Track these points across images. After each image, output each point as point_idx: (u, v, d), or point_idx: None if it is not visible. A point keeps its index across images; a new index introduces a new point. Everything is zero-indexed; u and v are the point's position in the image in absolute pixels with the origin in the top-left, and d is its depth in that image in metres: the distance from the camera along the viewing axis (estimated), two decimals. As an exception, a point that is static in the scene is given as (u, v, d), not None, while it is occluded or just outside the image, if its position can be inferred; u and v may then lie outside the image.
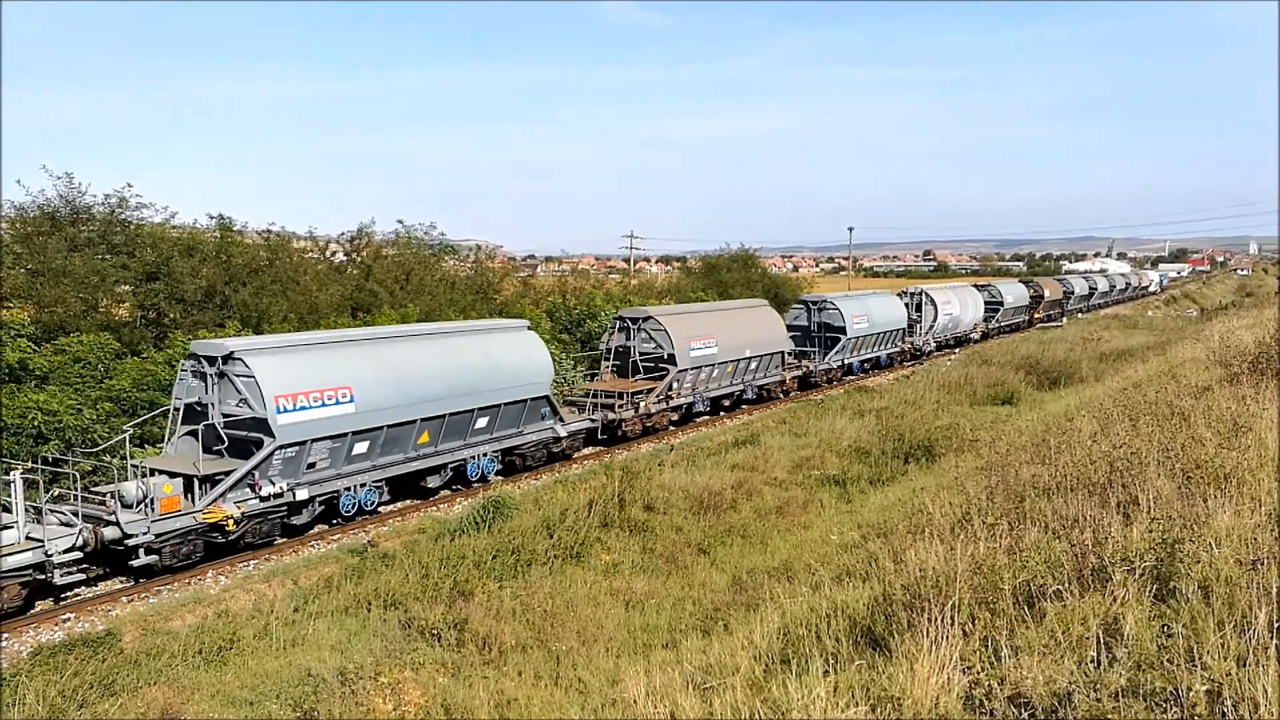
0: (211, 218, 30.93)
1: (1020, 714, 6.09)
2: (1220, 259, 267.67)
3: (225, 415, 17.24)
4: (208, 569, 16.63)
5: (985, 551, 8.69)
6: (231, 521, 16.56)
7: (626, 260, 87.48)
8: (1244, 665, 5.72)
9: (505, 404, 21.94)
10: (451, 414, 20.49)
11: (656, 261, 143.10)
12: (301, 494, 17.85)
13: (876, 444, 24.04)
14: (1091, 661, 6.36)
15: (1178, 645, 6.21)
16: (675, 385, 28.57)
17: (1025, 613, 7.43)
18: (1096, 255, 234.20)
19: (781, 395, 35.08)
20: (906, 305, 46.30)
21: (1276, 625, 6.19)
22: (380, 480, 19.43)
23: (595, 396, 26.58)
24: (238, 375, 17.15)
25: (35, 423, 18.39)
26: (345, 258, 37.49)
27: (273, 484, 17.31)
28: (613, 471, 19.30)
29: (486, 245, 50.98)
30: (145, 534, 15.43)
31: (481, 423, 21.54)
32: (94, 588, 15.79)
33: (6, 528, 14.47)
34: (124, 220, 27.76)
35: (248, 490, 17.04)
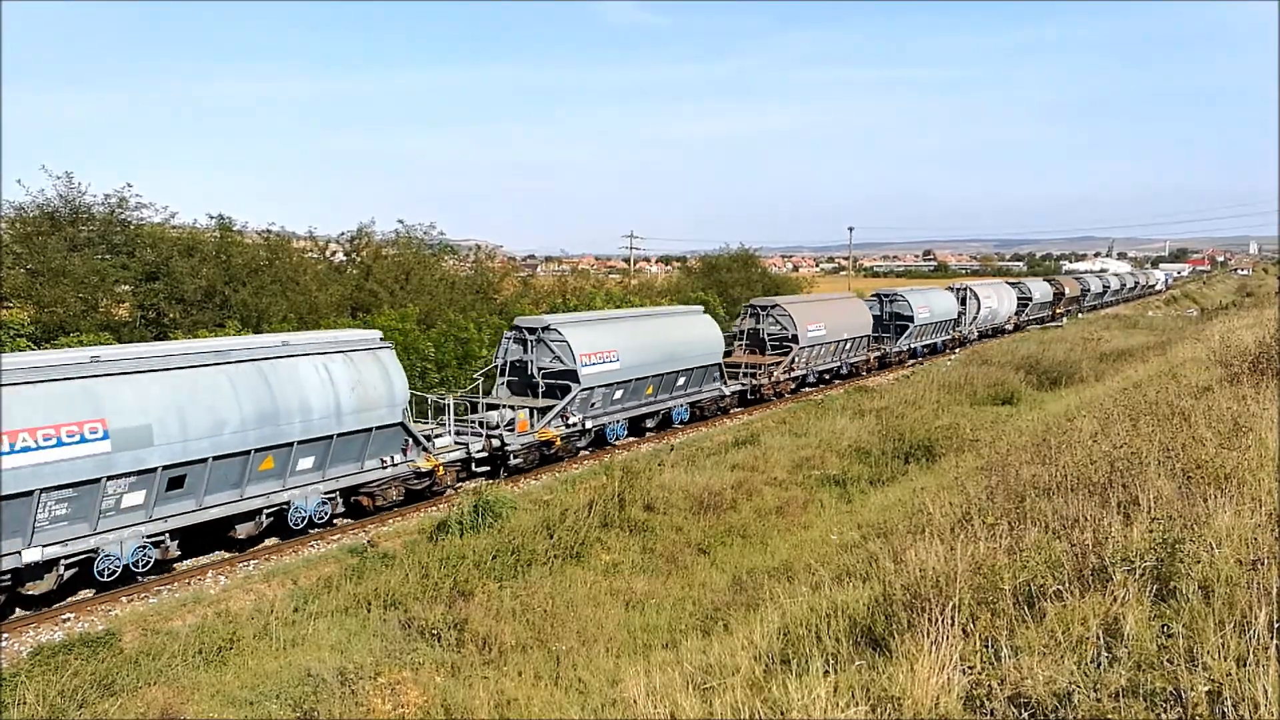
0: (211, 218, 30.89)
1: (1020, 714, 6.09)
2: (1220, 259, 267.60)
3: (541, 368, 24.98)
4: (208, 569, 16.65)
5: (985, 551, 8.69)
6: (558, 439, 23.98)
7: (626, 260, 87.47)
8: (1244, 665, 5.72)
9: (695, 368, 29.34)
10: (666, 373, 28.00)
11: (656, 261, 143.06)
12: (588, 424, 25.24)
13: (876, 444, 24.04)
14: (1092, 661, 6.35)
15: (1178, 645, 6.21)
16: (796, 360, 35.50)
17: (1025, 613, 7.43)
18: (1096, 255, 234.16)
19: (865, 372, 41.07)
20: (955, 298, 51.70)
21: (1276, 625, 6.19)
22: (625, 419, 26.99)
23: (739, 368, 33.24)
24: (553, 340, 24.86)
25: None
26: (345, 258, 37.43)
27: (573, 416, 24.58)
28: (613, 471, 19.31)
29: (486, 245, 50.92)
30: (514, 445, 22.86)
31: (680, 381, 28.96)
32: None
33: (441, 435, 21.69)
34: (124, 220, 27.71)
35: (559, 420, 24.19)
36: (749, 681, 7.79)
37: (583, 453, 25.67)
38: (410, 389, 20.56)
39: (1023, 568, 8.00)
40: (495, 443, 22.50)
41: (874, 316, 43.17)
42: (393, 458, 19.75)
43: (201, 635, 12.93)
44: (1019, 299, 63.43)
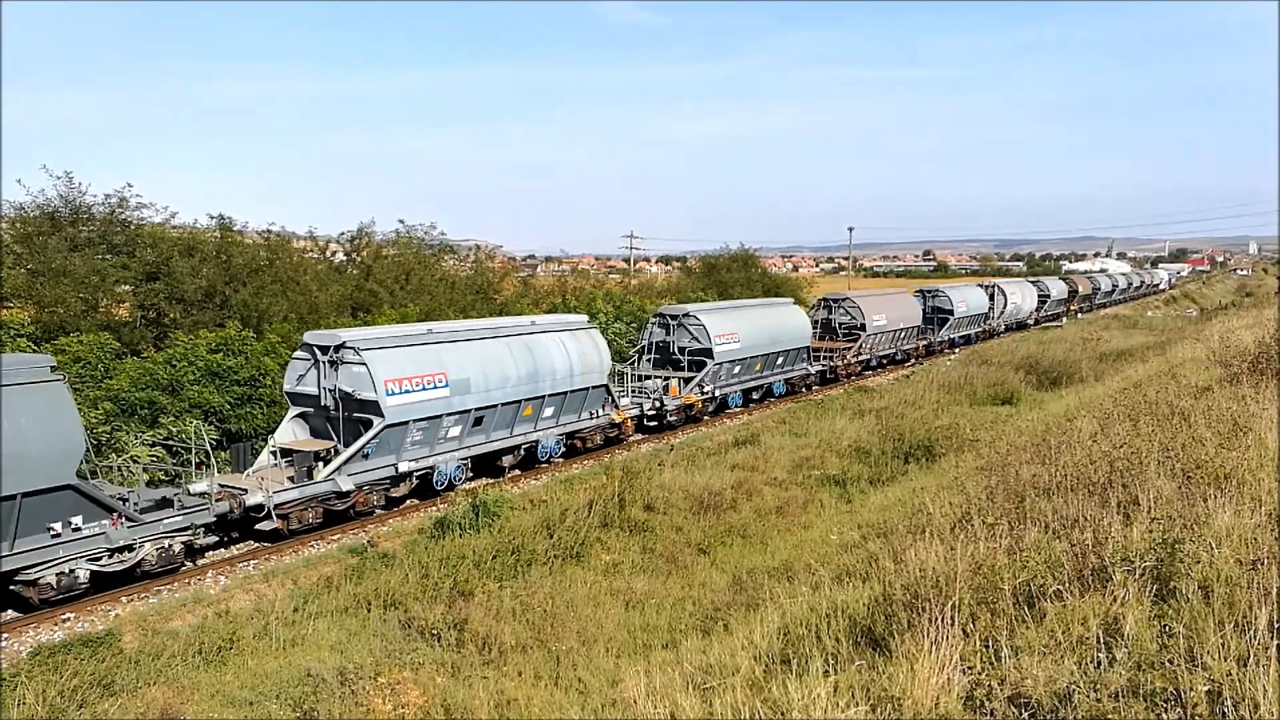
0: (211, 218, 30.88)
1: (1020, 714, 6.09)
2: (1220, 259, 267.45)
3: (681, 347, 30.70)
4: (207, 570, 16.64)
5: (985, 551, 8.69)
6: (700, 403, 29.79)
7: (626, 260, 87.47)
8: (1244, 665, 5.72)
9: (791, 349, 34.90)
10: (771, 353, 33.61)
11: (656, 261, 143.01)
12: (717, 393, 30.92)
13: (876, 444, 24.03)
14: (1092, 661, 6.36)
15: (1178, 645, 6.21)
16: (863, 346, 40.72)
17: (1025, 613, 7.43)
18: (1096, 255, 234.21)
19: (915, 359, 45.65)
20: (985, 294, 57.41)
21: (1277, 625, 6.19)
22: (740, 391, 32.44)
23: (818, 352, 38.46)
24: (691, 324, 30.54)
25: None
26: (345, 258, 37.43)
27: (708, 386, 30.29)
28: (613, 471, 19.30)
29: (486, 245, 50.93)
30: (670, 406, 28.75)
31: (780, 360, 34.66)
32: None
33: (623, 397, 27.12)
34: (124, 220, 27.70)
35: (698, 389, 29.89)
36: (749, 681, 7.79)
37: (706, 417, 30.70)
38: None
39: (1023, 568, 8.00)
40: (659, 404, 28.21)
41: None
42: (598, 410, 25.57)
43: (201, 635, 12.93)
44: (1039, 296, 69.54)
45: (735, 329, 31.21)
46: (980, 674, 6.59)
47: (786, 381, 35.07)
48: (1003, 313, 59.25)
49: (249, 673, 12.10)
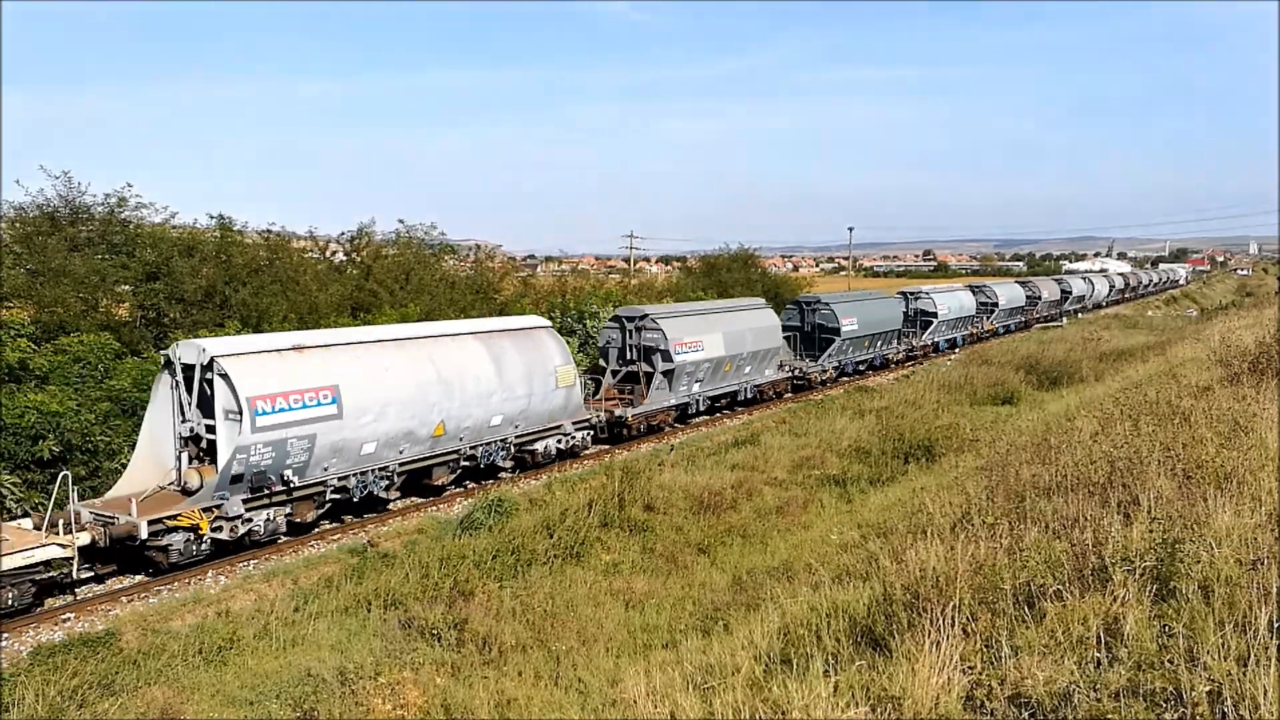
0: (211, 218, 30.83)
1: (1020, 714, 6.09)
2: (1220, 259, 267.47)
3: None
4: (208, 569, 16.63)
5: (985, 551, 8.70)
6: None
7: (626, 260, 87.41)
8: (1244, 665, 5.72)
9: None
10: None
11: (656, 261, 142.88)
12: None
13: (876, 444, 24.02)
14: (1092, 661, 6.36)
15: (1178, 645, 6.22)
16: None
17: (1025, 613, 7.43)
18: (1096, 255, 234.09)
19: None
20: (1085, 280, 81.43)
21: (1277, 625, 6.19)
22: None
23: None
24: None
25: (31, 422, 18.36)
26: (345, 258, 37.39)
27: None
28: (613, 471, 19.29)
29: (486, 245, 50.85)
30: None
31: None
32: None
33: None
34: (124, 220, 27.68)
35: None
36: (749, 681, 7.79)
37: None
38: None
39: (1023, 568, 8.00)
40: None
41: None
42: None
43: (201, 635, 12.93)
44: (1109, 285, 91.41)
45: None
46: (980, 674, 6.59)
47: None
48: (1092, 295, 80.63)
49: (249, 673, 12.10)
